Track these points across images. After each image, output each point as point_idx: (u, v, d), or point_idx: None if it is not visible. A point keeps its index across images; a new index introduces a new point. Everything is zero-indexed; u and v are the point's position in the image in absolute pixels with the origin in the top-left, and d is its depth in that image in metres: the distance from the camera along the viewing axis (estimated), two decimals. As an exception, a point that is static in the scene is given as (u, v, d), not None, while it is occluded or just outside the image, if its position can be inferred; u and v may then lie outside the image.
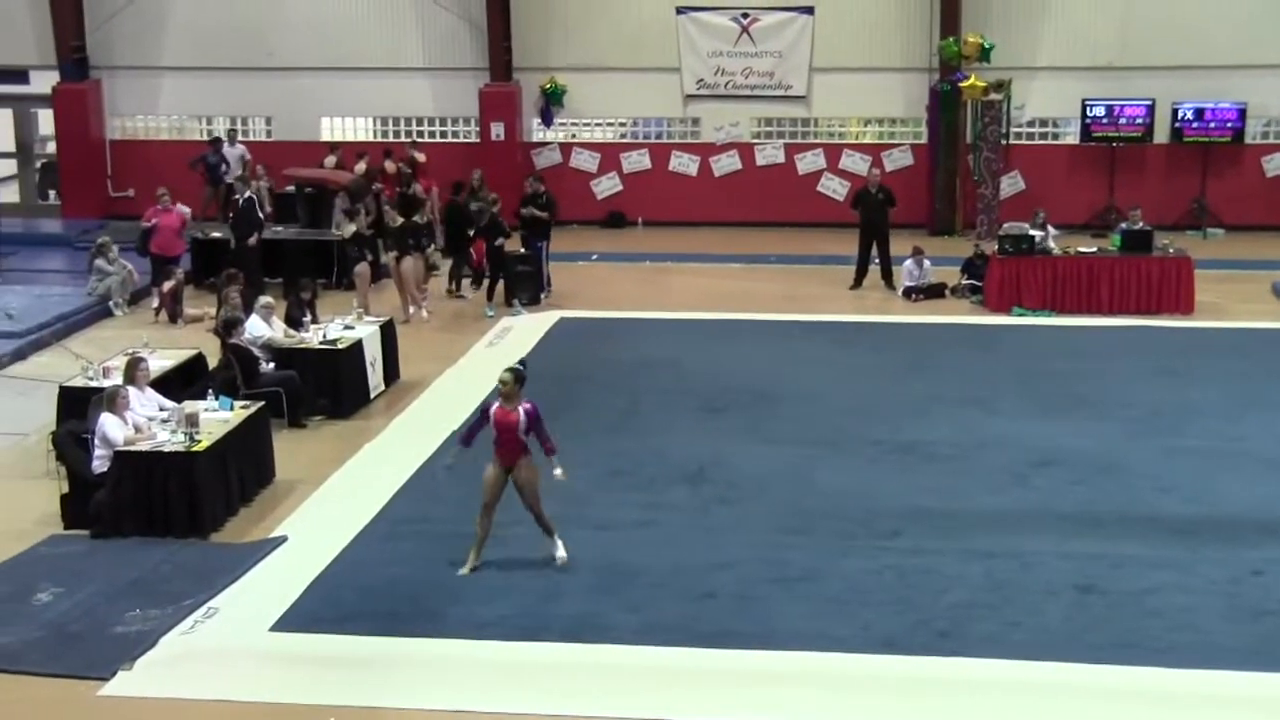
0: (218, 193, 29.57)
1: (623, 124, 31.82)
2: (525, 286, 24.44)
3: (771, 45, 30.54)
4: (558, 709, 11.18)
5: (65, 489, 15.08)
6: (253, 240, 24.59)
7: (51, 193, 33.01)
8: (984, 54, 29.06)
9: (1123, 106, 29.56)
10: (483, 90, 30.82)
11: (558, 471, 13.52)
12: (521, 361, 14.08)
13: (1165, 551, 14.01)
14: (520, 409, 13.40)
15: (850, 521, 14.78)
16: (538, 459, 13.58)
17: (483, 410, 13.75)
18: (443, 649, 12.20)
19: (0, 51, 31.87)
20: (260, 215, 25.16)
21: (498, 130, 30.76)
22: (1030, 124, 30.45)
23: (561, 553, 13.57)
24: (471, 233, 25.23)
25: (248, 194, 25.09)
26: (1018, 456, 16.73)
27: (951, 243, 28.24)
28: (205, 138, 31.01)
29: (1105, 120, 29.64)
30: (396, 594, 13.13)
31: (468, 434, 13.83)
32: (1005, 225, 25.82)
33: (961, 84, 28.99)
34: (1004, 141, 29.49)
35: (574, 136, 31.65)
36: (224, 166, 29.93)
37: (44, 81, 31.68)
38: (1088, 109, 29.63)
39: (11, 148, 33.52)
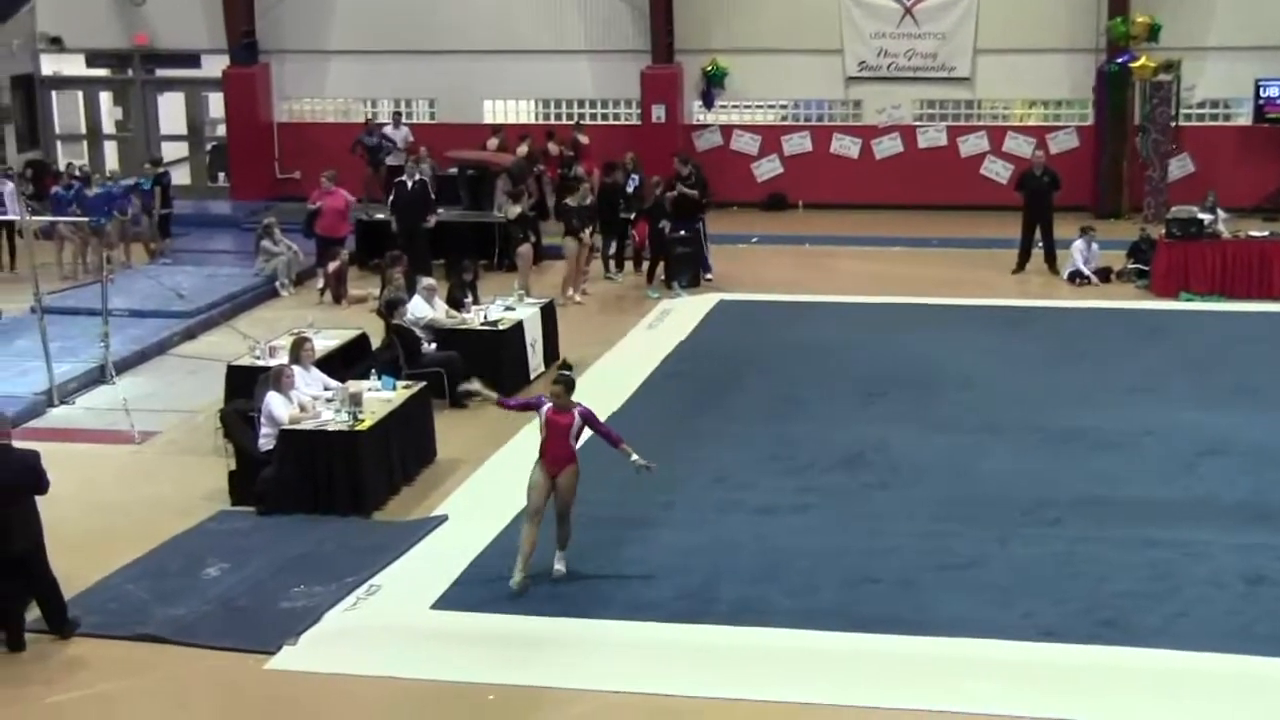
0: (379, 174, 29.95)
1: (784, 106, 31.70)
2: (685, 268, 24.43)
3: (935, 26, 30.22)
4: (717, 692, 11.18)
5: (233, 466, 15.37)
6: (430, 223, 24.83)
7: (221, 175, 33.67)
8: (1153, 34, 28.51)
9: (1298, 86, 28.85)
10: (644, 72, 30.85)
11: (635, 457, 13.10)
12: (567, 365, 13.58)
13: (1340, 544, 13.66)
14: (575, 411, 13.03)
15: (1012, 509, 14.60)
16: (607, 455, 13.29)
17: (536, 404, 13.25)
18: (603, 630, 12.25)
19: (173, 36, 32.60)
20: (433, 197, 25.43)
21: (659, 112, 30.79)
22: (1200, 105, 29.79)
23: (560, 566, 13.11)
24: (632, 215, 25.28)
25: (418, 177, 25.31)
26: (1185, 445, 16.40)
27: (1117, 226, 27.71)
28: (371, 120, 31.37)
29: (1280, 100, 28.97)
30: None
31: (513, 403, 13.58)
32: (1173, 208, 25.27)
33: (1130, 65, 28.45)
34: (1173, 123, 28.89)
35: (736, 119, 31.60)
36: (385, 145, 30.25)
37: (215, 65, 32.31)
38: (1261, 89, 28.91)
39: (183, 130, 34.24)
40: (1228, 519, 14.27)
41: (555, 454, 13.04)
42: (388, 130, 30.66)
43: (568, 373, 13.27)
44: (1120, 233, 26.42)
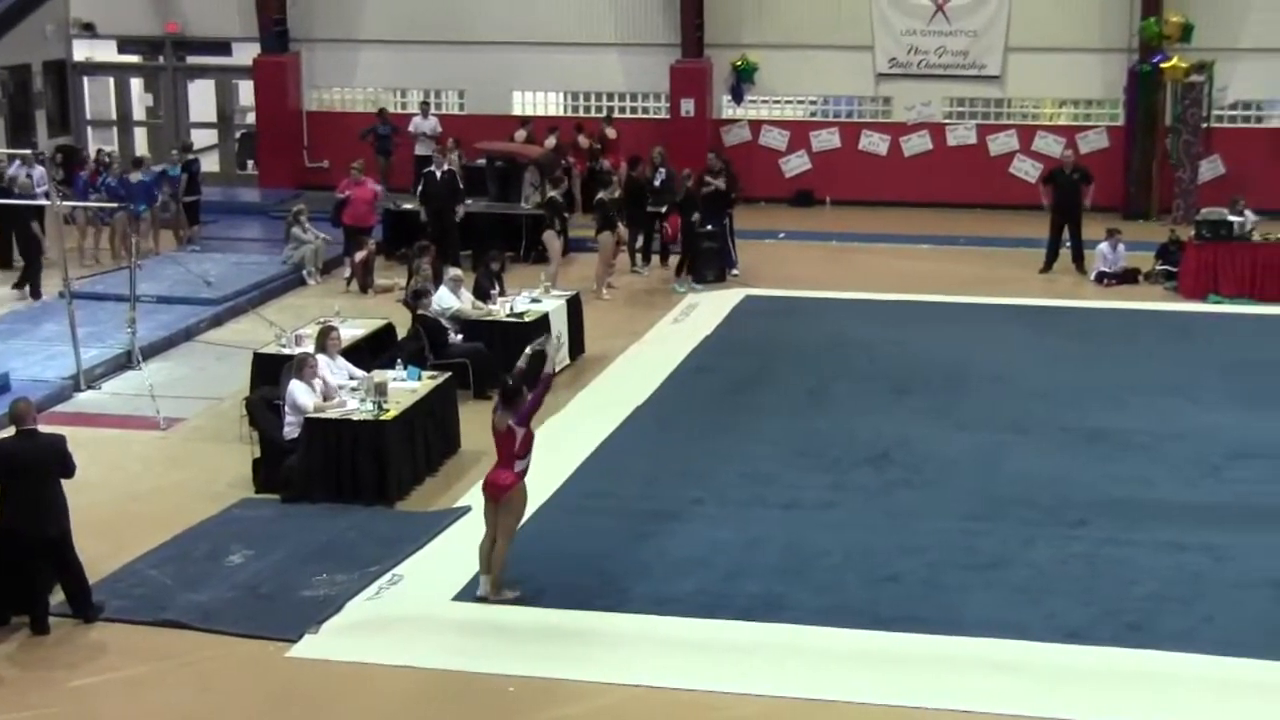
0: (389, 164, 29.99)
1: (813, 102, 31.62)
2: (711, 263, 24.39)
3: (967, 24, 30.13)
4: (738, 687, 11.15)
5: (257, 453, 15.39)
6: (460, 213, 24.86)
7: (249, 162, 33.74)
8: (1186, 34, 28.36)
9: (1332, 89, 28.67)
10: (674, 66, 30.80)
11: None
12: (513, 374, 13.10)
13: (1368, 550, 13.56)
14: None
15: (1038, 509, 14.54)
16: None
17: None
18: (625, 624, 12.23)
19: (205, 24, 32.72)
20: (461, 187, 25.46)
21: (687, 107, 30.74)
22: (1233, 107, 29.64)
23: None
24: (664, 209, 25.24)
25: (446, 167, 25.35)
26: (1212, 448, 16.31)
27: (1146, 227, 27.64)
28: (385, 110, 31.37)
29: (1313, 103, 28.79)
30: (580, 567, 13.18)
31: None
32: (1203, 210, 25.16)
33: (1162, 65, 28.32)
34: (1204, 125, 28.76)
35: (764, 114, 31.55)
36: (393, 138, 30.31)
37: (245, 53, 32.37)
38: (1294, 92, 28.78)
39: (213, 118, 34.32)
40: (1255, 523, 14.19)
41: None
42: (416, 120, 30.67)
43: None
44: (1149, 234, 26.34)
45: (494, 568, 12.60)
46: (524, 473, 12.67)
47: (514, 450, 12.56)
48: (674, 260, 25.06)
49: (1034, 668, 11.45)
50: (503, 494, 12.54)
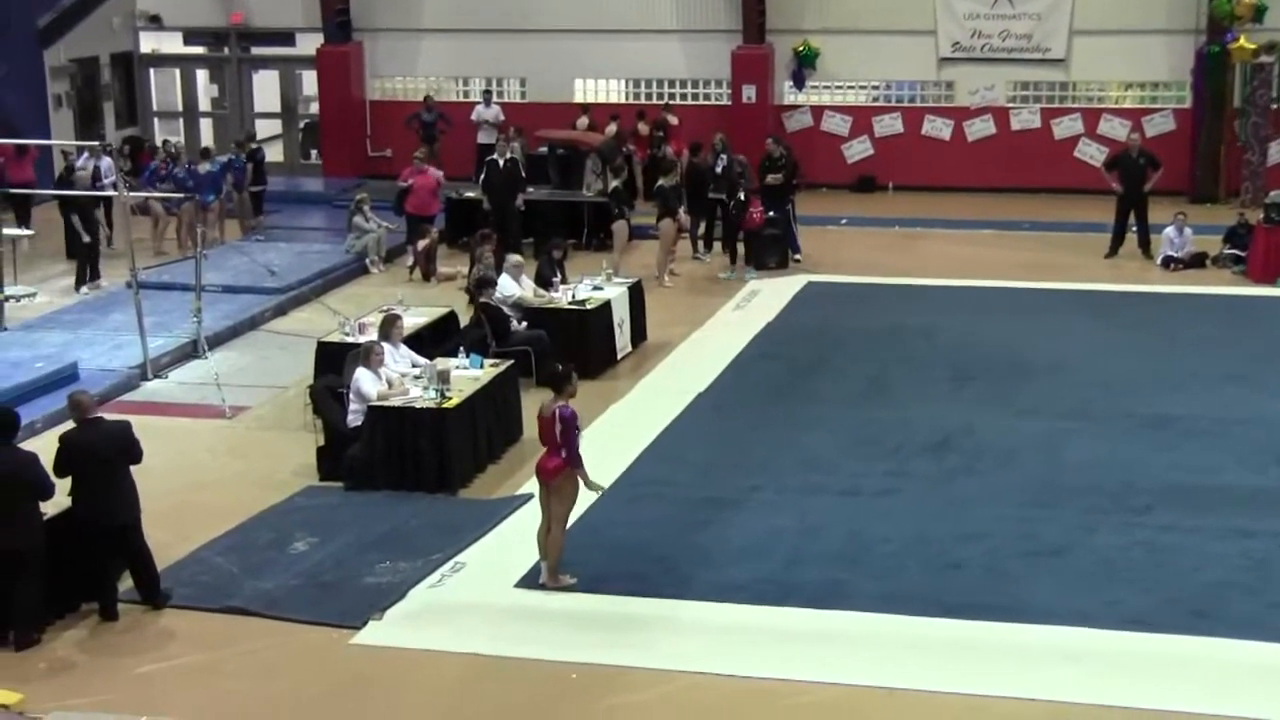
0: (434, 151, 30.09)
1: (875, 87, 31.47)
2: (773, 250, 24.34)
3: (1030, 7, 29.89)
4: (801, 675, 11.14)
5: (321, 442, 15.49)
6: (519, 201, 24.92)
7: (313, 152, 33.92)
8: (1259, 14, 28.03)
9: (1405, 69, 28.27)
10: (735, 52, 30.73)
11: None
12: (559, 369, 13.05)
13: None
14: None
15: (1101, 496, 14.44)
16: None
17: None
18: (686, 611, 12.24)
19: (269, 15, 32.90)
20: (523, 175, 25.49)
21: (749, 93, 30.67)
22: (1303, 88, 29.30)
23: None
24: (741, 195, 25.10)
25: (509, 155, 25.41)
26: (1278, 434, 16.13)
27: (1214, 211, 27.37)
28: (430, 97, 31.45)
29: (1387, 83, 28.41)
30: (641, 555, 13.22)
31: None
32: (1272, 193, 24.84)
33: (1231, 46, 28.02)
34: (1274, 106, 28.45)
35: (826, 100, 31.42)
36: (438, 125, 30.39)
37: (309, 44, 32.55)
38: (1365, 72, 28.40)
39: (277, 108, 34.52)
40: (1323, 510, 14.07)
41: None
42: (479, 108, 30.75)
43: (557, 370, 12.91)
44: (1217, 218, 26.08)
45: (550, 554, 12.65)
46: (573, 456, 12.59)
47: (556, 437, 12.56)
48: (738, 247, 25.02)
49: (1098, 655, 11.38)
50: (552, 477, 12.58)
